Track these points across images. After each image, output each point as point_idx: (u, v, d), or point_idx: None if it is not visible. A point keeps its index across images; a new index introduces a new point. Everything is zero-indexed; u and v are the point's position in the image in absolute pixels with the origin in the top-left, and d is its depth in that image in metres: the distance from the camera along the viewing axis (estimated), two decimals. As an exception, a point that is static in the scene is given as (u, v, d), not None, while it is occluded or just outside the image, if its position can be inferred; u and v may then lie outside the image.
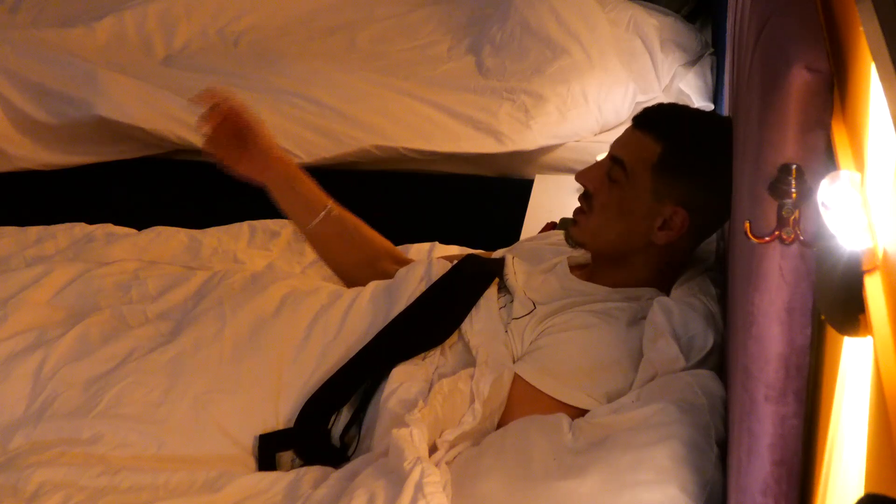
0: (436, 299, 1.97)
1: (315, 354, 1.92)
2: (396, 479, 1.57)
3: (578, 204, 1.99)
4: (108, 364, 1.93)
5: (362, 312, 1.98)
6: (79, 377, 1.91)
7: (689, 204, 1.90)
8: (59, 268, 2.20)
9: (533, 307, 1.93)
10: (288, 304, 2.01)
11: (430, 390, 1.77)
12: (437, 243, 2.47)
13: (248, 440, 1.83)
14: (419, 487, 1.54)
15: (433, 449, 1.69)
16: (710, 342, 1.79)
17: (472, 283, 2.00)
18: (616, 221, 1.94)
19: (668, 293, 1.92)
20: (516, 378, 1.81)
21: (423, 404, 1.71)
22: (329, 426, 1.81)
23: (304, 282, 2.15)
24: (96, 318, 2.03)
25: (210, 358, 1.92)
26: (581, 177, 1.98)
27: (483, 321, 1.91)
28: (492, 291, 1.97)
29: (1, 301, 2.09)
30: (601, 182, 1.94)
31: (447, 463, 1.68)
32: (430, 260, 2.11)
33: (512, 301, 1.97)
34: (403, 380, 1.80)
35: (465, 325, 1.91)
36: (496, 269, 2.03)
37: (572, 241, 1.99)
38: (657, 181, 1.90)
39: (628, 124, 2.00)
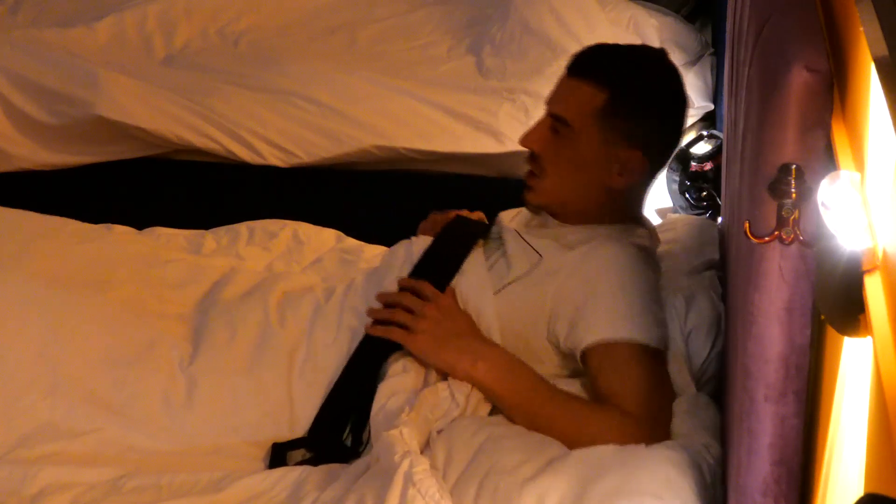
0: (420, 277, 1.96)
1: (319, 358, 1.91)
2: (386, 476, 1.58)
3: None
4: (126, 352, 1.91)
5: (356, 307, 1.97)
6: (97, 357, 1.89)
7: (643, 143, 1.87)
8: (74, 223, 2.20)
9: (539, 258, 1.88)
10: (288, 311, 2.01)
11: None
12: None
13: (261, 450, 1.83)
14: (408, 477, 1.54)
15: (425, 448, 1.69)
16: (708, 350, 1.80)
17: (455, 250, 1.97)
18: (571, 176, 1.90)
19: (639, 222, 1.93)
20: (600, 346, 1.76)
21: (408, 409, 1.70)
22: (344, 437, 1.81)
23: (294, 281, 2.14)
24: (117, 293, 2.02)
25: (224, 368, 1.91)
26: (525, 140, 1.94)
27: (469, 282, 1.90)
28: (477, 254, 1.95)
29: (20, 241, 2.07)
30: (547, 141, 1.90)
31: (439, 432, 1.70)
32: (410, 240, 2.09)
33: (503, 256, 1.93)
34: (390, 395, 1.79)
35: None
36: (479, 231, 2.01)
37: (531, 206, 1.96)
38: (606, 128, 1.86)
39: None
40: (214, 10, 3.80)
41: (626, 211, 1.94)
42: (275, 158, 3.18)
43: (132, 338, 1.94)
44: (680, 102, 1.94)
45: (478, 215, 2.19)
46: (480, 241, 1.99)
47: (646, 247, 1.91)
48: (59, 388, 1.85)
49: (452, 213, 2.17)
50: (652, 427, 1.67)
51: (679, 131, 1.93)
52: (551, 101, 1.92)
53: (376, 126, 3.18)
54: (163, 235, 2.47)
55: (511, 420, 1.75)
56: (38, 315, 1.92)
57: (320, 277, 2.22)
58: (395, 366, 1.84)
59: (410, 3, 3.93)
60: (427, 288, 1.89)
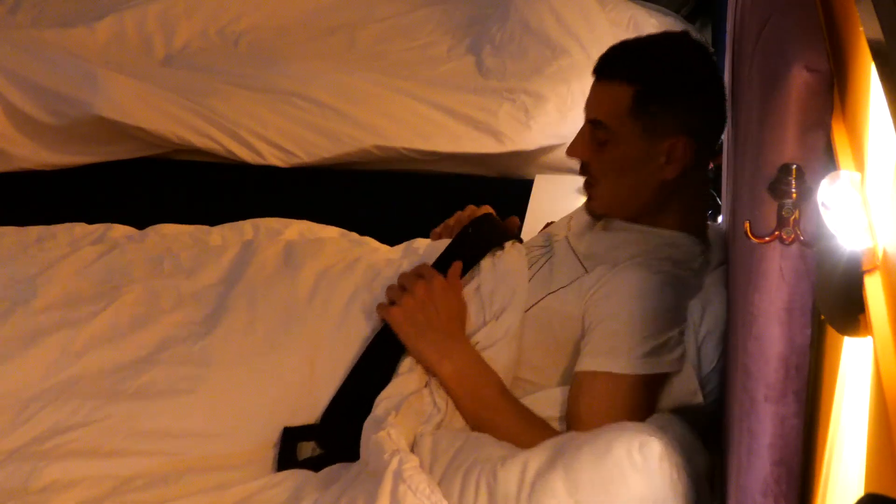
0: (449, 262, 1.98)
1: (349, 342, 1.91)
2: (376, 476, 1.59)
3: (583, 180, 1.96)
4: (139, 352, 1.92)
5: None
6: (107, 362, 1.89)
7: (684, 129, 1.85)
8: (87, 246, 2.21)
9: (584, 272, 1.89)
10: (322, 288, 2.00)
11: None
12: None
13: (274, 433, 1.83)
14: (398, 474, 1.56)
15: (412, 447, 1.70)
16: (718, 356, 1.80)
17: (474, 240, 2.02)
18: (624, 177, 1.90)
19: (702, 233, 1.92)
20: (585, 375, 1.78)
21: (395, 413, 1.72)
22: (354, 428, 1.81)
23: (339, 254, 2.13)
24: (128, 297, 2.02)
25: (242, 350, 1.91)
26: (570, 151, 1.95)
27: (506, 285, 1.91)
28: (519, 256, 1.96)
29: (30, 276, 2.09)
30: (591, 149, 1.91)
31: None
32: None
33: (548, 263, 1.95)
34: (380, 401, 1.79)
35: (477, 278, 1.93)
36: (503, 233, 2.05)
37: (596, 215, 1.97)
38: (642, 121, 1.85)
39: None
40: (214, 10, 3.81)
41: (689, 206, 1.93)
42: (275, 158, 3.18)
43: (144, 340, 1.94)
44: (710, 77, 1.92)
45: (486, 209, 2.22)
46: (518, 244, 2.00)
47: (678, 274, 1.88)
48: (64, 392, 1.85)
49: (481, 211, 2.21)
50: None
51: (719, 105, 1.90)
52: (587, 109, 1.93)
53: (376, 126, 3.19)
54: (168, 234, 2.46)
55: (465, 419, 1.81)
56: (48, 341, 1.93)
57: (355, 251, 2.20)
58: (405, 362, 1.85)
59: (410, 3, 3.93)
60: (423, 268, 1.94)
